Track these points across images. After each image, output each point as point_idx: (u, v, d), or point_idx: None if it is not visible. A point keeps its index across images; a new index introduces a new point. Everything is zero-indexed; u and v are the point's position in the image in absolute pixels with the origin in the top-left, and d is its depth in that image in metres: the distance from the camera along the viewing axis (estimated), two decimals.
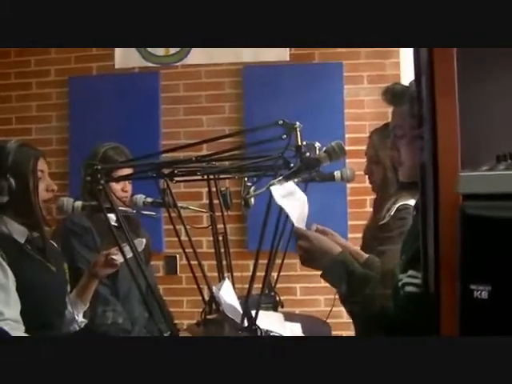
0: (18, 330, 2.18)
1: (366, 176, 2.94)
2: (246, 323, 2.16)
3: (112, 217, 2.94)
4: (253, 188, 2.39)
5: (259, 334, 2.15)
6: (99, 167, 2.08)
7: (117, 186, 2.96)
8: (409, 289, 1.73)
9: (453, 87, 1.38)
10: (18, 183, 2.36)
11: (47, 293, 2.42)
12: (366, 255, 2.39)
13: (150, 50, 4.76)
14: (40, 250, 2.46)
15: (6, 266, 2.28)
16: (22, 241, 2.40)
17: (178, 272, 4.75)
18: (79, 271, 2.75)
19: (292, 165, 1.98)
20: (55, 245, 2.67)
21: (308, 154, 2.04)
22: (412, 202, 2.48)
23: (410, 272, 1.75)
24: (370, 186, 2.98)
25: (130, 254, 2.23)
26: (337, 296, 2.00)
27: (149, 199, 2.74)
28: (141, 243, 2.57)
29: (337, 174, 2.72)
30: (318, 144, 2.12)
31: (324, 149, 2.01)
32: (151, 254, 3.39)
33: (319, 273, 1.99)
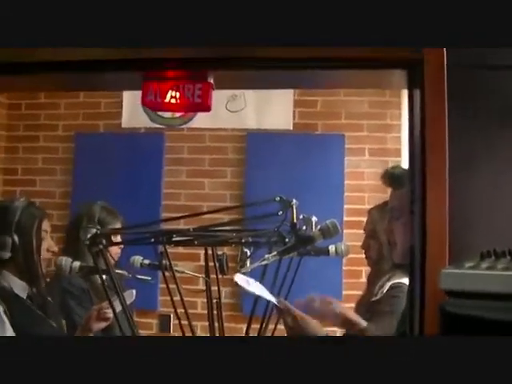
0: None
1: (363, 250, 2.96)
2: None
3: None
4: (248, 261, 2.42)
5: None
6: (99, 232, 2.12)
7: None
8: None
9: (443, 177, 1.43)
10: (22, 241, 2.42)
11: None
12: (365, 323, 2.38)
13: (157, 112, 4.83)
14: (40, 305, 2.49)
15: (7, 322, 2.30)
16: (24, 296, 2.45)
17: (172, 331, 4.74)
18: (73, 324, 2.76)
19: (287, 240, 2.02)
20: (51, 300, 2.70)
21: (304, 227, 2.08)
22: (406, 281, 2.51)
23: None
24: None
25: (119, 308, 2.26)
26: None
27: (146, 261, 2.76)
28: (131, 294, 2.58)
29: (331, 248, 2.74)
30: (314, 218, 2.16)
31: (319, 227, 2.05)
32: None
33: None
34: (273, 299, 2.03)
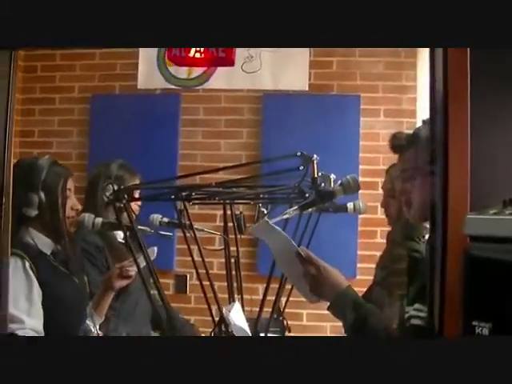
0: None
1: (383, 209, 2.99)
2: None
3: (120, 234, 3.00)
4: (267, 216, 2.44)
5: None
6: (122, 187, 2.15)
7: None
8: (414, 322, 1.79)
9: (465, 130, 1.44)
10: (48, 198, 2.45)
11: (71, 304, 2.49)
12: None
13: (172, 72, 4.82)
14: (64, 262, 2.53)
15: (33, 277, 2.36)
16: (49, 252, 2.49)
17: (188, 292, 4.79)
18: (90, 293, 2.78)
19: (307, 195, 2.04)
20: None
21: (323, 184, 2.09)
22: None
23: (417, 305, 1.80)
24: (381, 217, 3.03)
25: (143, 264, 2.28)
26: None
27: (165, 219, 2.79)
28: (153, 251, 2.61)
29: (350, 205, 2.77)
30: (333, 176, 2.17)
31: (339, 182, 2.06)
32: None
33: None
34: (295, 247, 2.03)
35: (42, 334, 2.32)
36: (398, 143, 2.08)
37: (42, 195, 2.44)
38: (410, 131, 2.06)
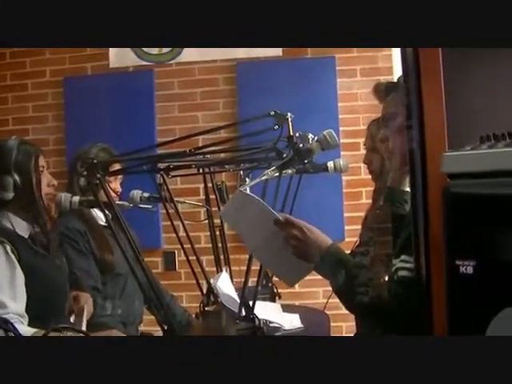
0: (20, 324, 2.18)
1: (366, 166, 2.96)
2: (243, 313, 2.19)
3: (101, 217, 2.96)
4: (247, 180, 2.41)
5: (257, 323, 2.18)
6: (95, 161, 2.11)
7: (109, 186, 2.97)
8: (401, 273, 1.76)
9: (438, 74, 1.41)
10: (22, 179, 2.41)
11: (54, 286, 2.47)
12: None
13: (143, 48, 4.78)
14: (43, 245, 2.49)
15: (15, 261, 2.32)
16: (26, 235, 2.44)
17: (177, 268, 4.77)
18: (73, 276, 2.75)
19: (285, 155, 2.00)
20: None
21: (301, 144, 2.06)
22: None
23: (403, 257, 1.78)
24: (365, 178, 3.00)
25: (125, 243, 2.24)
26: None
27: (145, 194, 2.76)
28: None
29: (330, 164, 2.75)
30: (311, 135, 2.14)
31: (316, 138, 2.03)
32: None
33: None
34: (274, 213, 1.99)
35: (25, 318, 2.28)
36: (382, 89, 2.06)
37: (16, 176, 2.40)
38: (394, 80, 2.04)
